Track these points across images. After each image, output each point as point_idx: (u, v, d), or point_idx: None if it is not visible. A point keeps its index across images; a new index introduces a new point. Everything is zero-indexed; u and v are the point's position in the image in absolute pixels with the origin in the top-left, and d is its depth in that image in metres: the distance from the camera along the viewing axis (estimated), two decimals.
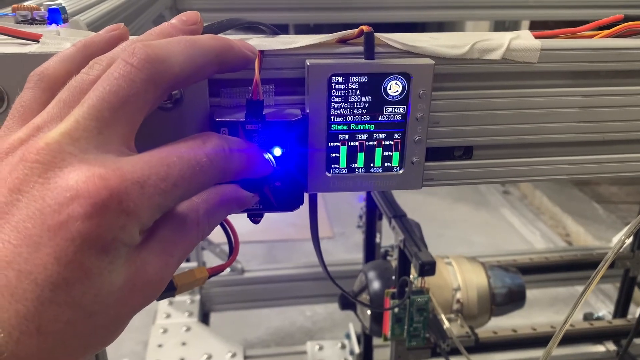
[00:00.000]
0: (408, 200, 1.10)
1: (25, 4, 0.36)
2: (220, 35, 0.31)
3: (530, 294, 1.19)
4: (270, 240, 1.95)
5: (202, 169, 0.24)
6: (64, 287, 0.21)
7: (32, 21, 0.34)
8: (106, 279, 0.22)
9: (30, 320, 0.20)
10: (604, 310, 1.40)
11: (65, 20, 0.35)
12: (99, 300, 0.22)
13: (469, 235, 2.06)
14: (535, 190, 2.36)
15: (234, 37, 0.31)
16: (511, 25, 2.34)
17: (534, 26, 2.24)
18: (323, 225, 2.06)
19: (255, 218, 0.33)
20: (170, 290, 0.31)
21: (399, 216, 0.81)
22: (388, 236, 0.89)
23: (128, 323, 0.24)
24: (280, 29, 0.34)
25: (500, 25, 2.39)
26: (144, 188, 0.22)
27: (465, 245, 1.96)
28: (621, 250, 1.09)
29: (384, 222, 0.91)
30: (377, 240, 1.02)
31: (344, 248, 1.94)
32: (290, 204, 0.32)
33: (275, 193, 0.31)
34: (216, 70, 0.26)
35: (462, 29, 2.78)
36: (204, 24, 0.30)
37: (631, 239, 1.09)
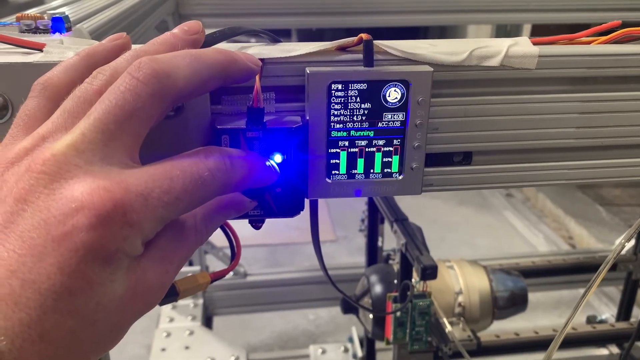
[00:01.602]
0: (411, 204, 1.10)
1: (29, 13, 0.36)
2: (223, 44, 0.31)
3: (534, 297, 1.19)
4: (273, 244, 1.95)
5: (204, 183, 0.25)
6: (67, 297, 0.21)
7: (36, 30, 0.34)
8: (108, 288, 0.22)
9: (32, 328, 0.21)
10: (607, 313, 1.39)
11: (68, 29, 0.36)
12: (100, 309, 0.22)
13: (472, 238, 2.06)
14: (538, 193, 2.36)
15: (234, 46, 0.31)
16: (513, 29, 2.34)
17: (536, 30, 2.24)
18: (326, 229, 2.06)
19: (256, 224, 0.33)
20: (172, 296, 0.31)
21: (401, 220, 0.81)
22: (390, 240, 0.90)
23: (128, 329, 0.25)
24: (283, 34, 0.34)
25: (502, 29, 2.40)
26: (147, 200, 0.22)
27: (469, 248, 1.96)
28: (624, 253, 1.09)
29: (386, 225, 0.91)
30: (379, 244, 1.02)
31: (347, 251, 1.94)
32: (291, 210, 0.32)
33: (276, 199, 0.32)
34: (220, 84, 0.27)
35: (464, 32, 2.78)
36: (207, 31, 0.30)
37: (634, 241, 1.09)
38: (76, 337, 0.22)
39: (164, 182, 0.23)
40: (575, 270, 1.16)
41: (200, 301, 1.34)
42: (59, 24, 0.35)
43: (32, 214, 0.21)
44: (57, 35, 0.34)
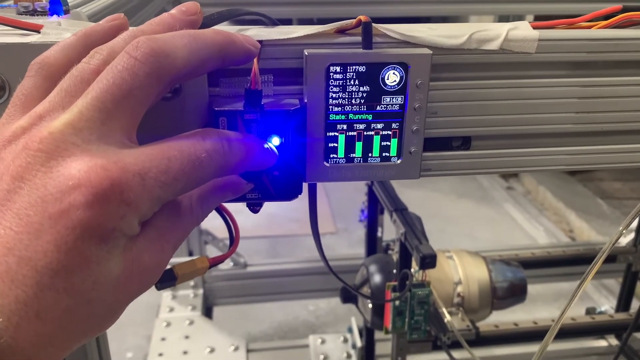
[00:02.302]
0: (411, 197, 1.10)
1: None
2: (222, 26, 0.31)
3: (533, 289, 1.19)
4: (273, 236, 1.95)
5: (201, 164, 0.25)
6: (63, 274, 0.21)
7: (34, 12, 0.34)
8: (104, 267, 0.22)
9: (29, 306, 0.21)
10: (607, 305, 1.39)
11: (66, 12, 0.36)
12: (97, 287, 0.22)
13: (472, 231, 2.06)
14: (539, 186, 2.35)
15: (233, 28, 0.31)
16: (515, 20, 2.33)
17: (538, 21, 2.23)
18: (326, 221, 2.06)
19: (254, 207, 0.33)
20: (171, 280, 0.31)
21: (400, 209, 0.81)
22: (390, 231, 0.90)
23: (125, 309, 0.25)
24: (284, 24, 0.34)
25: (504, 20, 2.39)
26: (144, 180, 0.22)
27: (469, 241, 1.96)
28: (624, 245, 1.09)
29: (386, 216, 0.91)
30: (379, 234, 1.02)
31: (347, 243, 1.95)
32: (289, 193, 0.32)
33: (274, 182, 0.32)
34: (219, 65, 0.27)
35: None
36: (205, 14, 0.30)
37: (634, 234, 1.09)
38: (72, 315, 0.22)
39: (162, 162, 0.23)
40: (574, 262, 1.16)
41: (200, 291, 1.35)
42: (57, 7, 0.35)
43: (28, 192, 0.21)
44: (54, 18, 0.34)
